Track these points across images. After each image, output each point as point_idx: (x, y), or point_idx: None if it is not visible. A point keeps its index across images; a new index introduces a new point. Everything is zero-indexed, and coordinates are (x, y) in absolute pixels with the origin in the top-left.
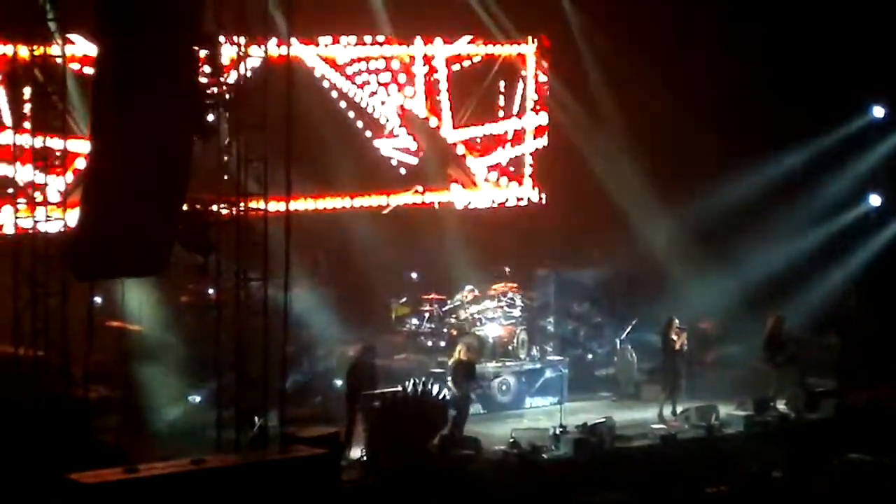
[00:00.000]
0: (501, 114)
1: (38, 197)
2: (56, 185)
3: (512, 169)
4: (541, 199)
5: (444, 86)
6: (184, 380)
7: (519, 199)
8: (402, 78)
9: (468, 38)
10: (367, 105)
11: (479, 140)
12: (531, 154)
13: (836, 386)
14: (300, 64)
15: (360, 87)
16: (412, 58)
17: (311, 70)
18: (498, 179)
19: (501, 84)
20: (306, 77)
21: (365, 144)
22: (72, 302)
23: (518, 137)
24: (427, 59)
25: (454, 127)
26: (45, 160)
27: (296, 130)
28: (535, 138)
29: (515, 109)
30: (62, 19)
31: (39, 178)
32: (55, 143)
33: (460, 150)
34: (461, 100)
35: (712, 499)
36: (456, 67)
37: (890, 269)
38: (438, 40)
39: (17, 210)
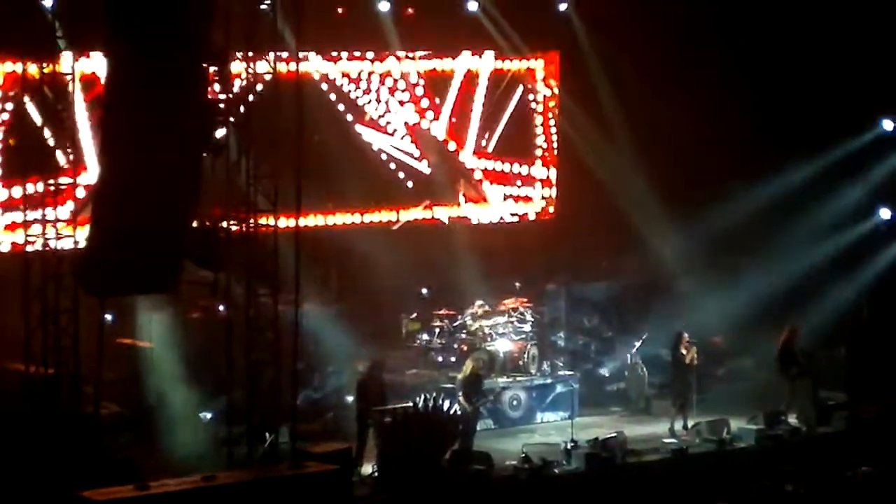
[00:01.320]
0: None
1: (49, 215)
2: (66, 202)
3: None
4: (551, 207)
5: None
6: (195, 396)
7: (521, 216)
8: (425, 103)
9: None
10: (378, 119)
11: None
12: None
13: (847, 399)
14: (310, 79)
15: (358, 98)
16: (441, 72)
17: (319, 86)
18: (502, 168)
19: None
20: (316, 92)
21: (374, 160)
22: (83, 319)
23: (530, 180)
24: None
25: (475, 153)
26: (55, 178)
27: (305, 146)
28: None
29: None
30: (71, 36)
31: (50, 196)
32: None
33: (478, 175)
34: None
35: None
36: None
37: None
38: (466, 53)
39: (27, 228)
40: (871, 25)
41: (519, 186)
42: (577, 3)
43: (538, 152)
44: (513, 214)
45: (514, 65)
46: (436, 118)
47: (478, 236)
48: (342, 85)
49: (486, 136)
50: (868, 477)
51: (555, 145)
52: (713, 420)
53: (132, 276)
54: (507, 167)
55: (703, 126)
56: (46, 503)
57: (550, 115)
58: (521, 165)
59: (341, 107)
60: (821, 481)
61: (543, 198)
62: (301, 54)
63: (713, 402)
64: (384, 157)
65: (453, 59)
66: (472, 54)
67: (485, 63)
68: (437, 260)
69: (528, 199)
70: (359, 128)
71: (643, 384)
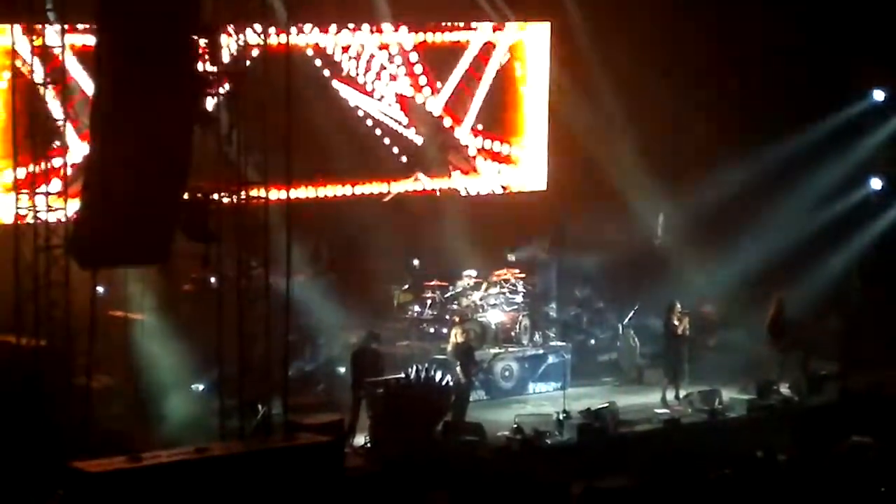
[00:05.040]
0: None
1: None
2: (57, 174)
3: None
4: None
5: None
6: (187, 368)
7: (513, 190)
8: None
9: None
10: (369, 87)
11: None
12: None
13: (839, 369)
14: (299, 51)
15: (353, 77)
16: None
17: (309, 57)
18: (492, 146)
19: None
20: (305, 64)
21: (365, 132)
22: (74, 292)
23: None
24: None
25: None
26: (44, 150)
27: (295, 118)
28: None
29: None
30: (61, 9)
31: (41, 167)
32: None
33: (447, 122)
34: (459, 88)
35: (716, 483)
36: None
37: (891, 253)
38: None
39: (17, 200)
40: None
41: (509, 162)
42: None
43: (528, 124)
44: (503, 188)
45: (504, 36)
46: (433, 93)
47: (469, 208)
48: (333, 54)
49: (474, 108)
50: (859, 447)
51: (545, 117)
52: (705, 390)
53: (124, 248)
54: (498, 146)
55: (693, 97)
56: (38, 475)
57: (540, 86)
58: (510, 146)
59: (327, 73)
60: (812, 451)
61: (533, 169)
62: (292, 27)
63: (705, 373)
64: (370, 122)
65: (468, 30)
66: (494, 29)
67: (481, 35)
68: (428, 232)
69: (517, 166)
70: (335, 84)
71: (635, 354)
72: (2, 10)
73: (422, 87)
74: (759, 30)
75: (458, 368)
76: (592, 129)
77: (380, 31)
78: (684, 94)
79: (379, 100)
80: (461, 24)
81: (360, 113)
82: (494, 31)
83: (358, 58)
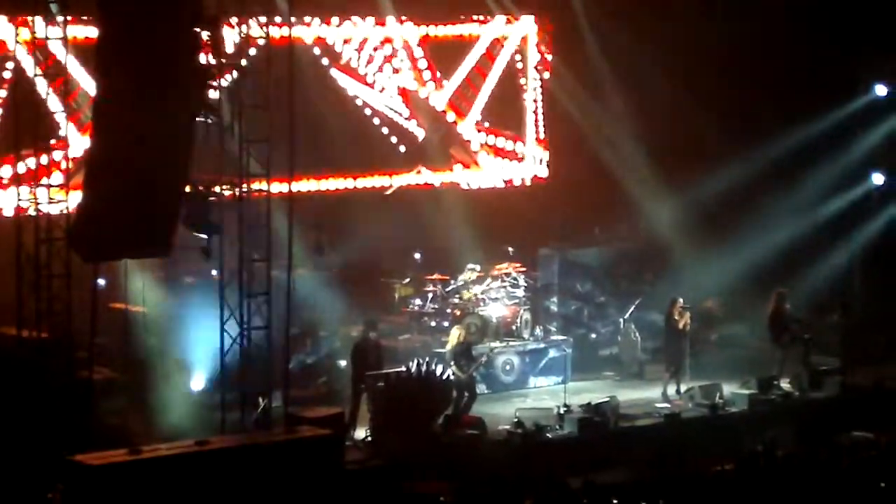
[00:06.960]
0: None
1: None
2: (58, 167)
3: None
4: (545, 162)
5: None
6: (188, 361)
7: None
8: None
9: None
10: (372, 81)
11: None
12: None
13: (840, 364)
14: (301, 44)
15: (355, 68)
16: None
17: (311, 50)
18: (496, 142)
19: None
20: (307, 57)
21: (367, 125)
22: (75, 284)
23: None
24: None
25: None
26: (45, 142)
27: (298, 111)
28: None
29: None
30: (63, 0)
31: (43, 160)
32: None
33: (451, 117)
34: (464, 83)
35: (716, 477)
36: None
37: (893, 248)
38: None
39: (19, 192)
40: None
41: (514, 159)
42: None
43: (530, 118)
44: (506, 182)
45: (507, 29)
46: (437, 87)
47: (470, 201)
48: (335, 46)
49: (479, 102)
50: (860, 442)
51: (542, 111)
52: (706, 385)
53: (125, 240)
54: (502, 142)
55: (696, 91)
56: (39, 468)
57: (542, 79)
58: (514, 143)
59: (325, 61)
60: (813, 446)
61: (536, 162)
62: (294, 19)
63: (706, 367)
64: (369, 112)
65: (472, 24)
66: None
67: (486, 29)
68: (430, 225)
69: (520, 160)
70: (336, 73)
71: (636, 349)
72: (4, 1)
73: (425, 81)
74: (762, 26)
75: (453, 368)
76: (594, 123)
77: (382, 24)
78: (687, 90)
79: (381, 91)
80: (464, 18)
81: (361, 104)
82: (496, 24)
83: (360, 50)
